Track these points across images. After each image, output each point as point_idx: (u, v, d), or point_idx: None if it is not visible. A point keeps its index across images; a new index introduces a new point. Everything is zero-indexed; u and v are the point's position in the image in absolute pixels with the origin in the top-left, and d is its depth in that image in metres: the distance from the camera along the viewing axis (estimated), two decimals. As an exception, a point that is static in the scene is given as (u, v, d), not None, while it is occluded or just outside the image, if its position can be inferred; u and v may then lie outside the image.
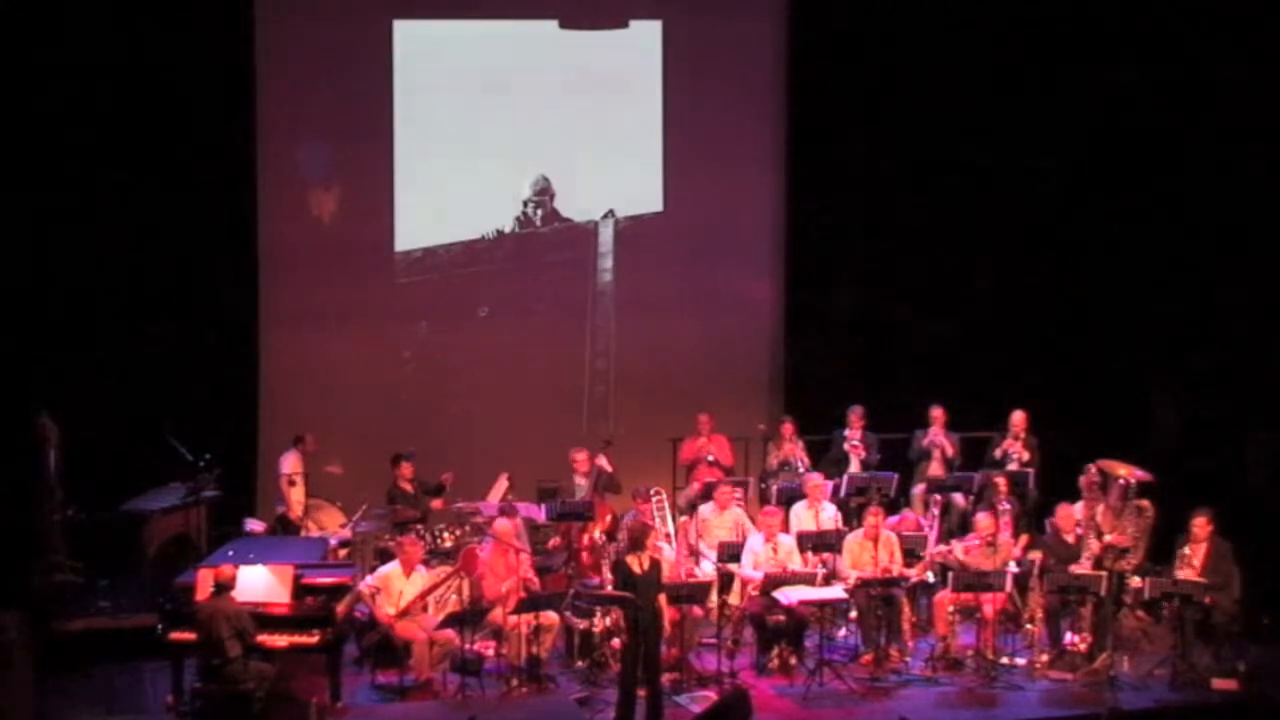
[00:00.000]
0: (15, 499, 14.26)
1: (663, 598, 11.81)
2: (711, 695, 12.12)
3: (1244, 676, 12.53)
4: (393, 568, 12.64)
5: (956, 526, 14.47)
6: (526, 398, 16.60)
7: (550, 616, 12.52)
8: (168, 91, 15.27)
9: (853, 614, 13.32)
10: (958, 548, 13.21)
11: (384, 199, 16.53)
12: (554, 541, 14.17)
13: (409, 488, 14.59)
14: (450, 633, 12.36)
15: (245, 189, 15.87)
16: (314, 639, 12.03)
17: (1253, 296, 15.65)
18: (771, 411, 16.45)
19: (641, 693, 11.55)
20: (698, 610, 12.81)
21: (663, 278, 16.99)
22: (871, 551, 13.15)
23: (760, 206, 17.15)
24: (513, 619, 12.35)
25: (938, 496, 14.09)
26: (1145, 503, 13.56)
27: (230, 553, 12.74)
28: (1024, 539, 13.94)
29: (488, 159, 16.70)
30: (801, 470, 14.91)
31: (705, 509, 14.03)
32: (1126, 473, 13.63)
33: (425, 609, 12.62)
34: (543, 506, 14.43)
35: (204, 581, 11.86)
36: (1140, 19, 16.13)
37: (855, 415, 15.33)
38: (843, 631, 13.48)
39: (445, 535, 14.08)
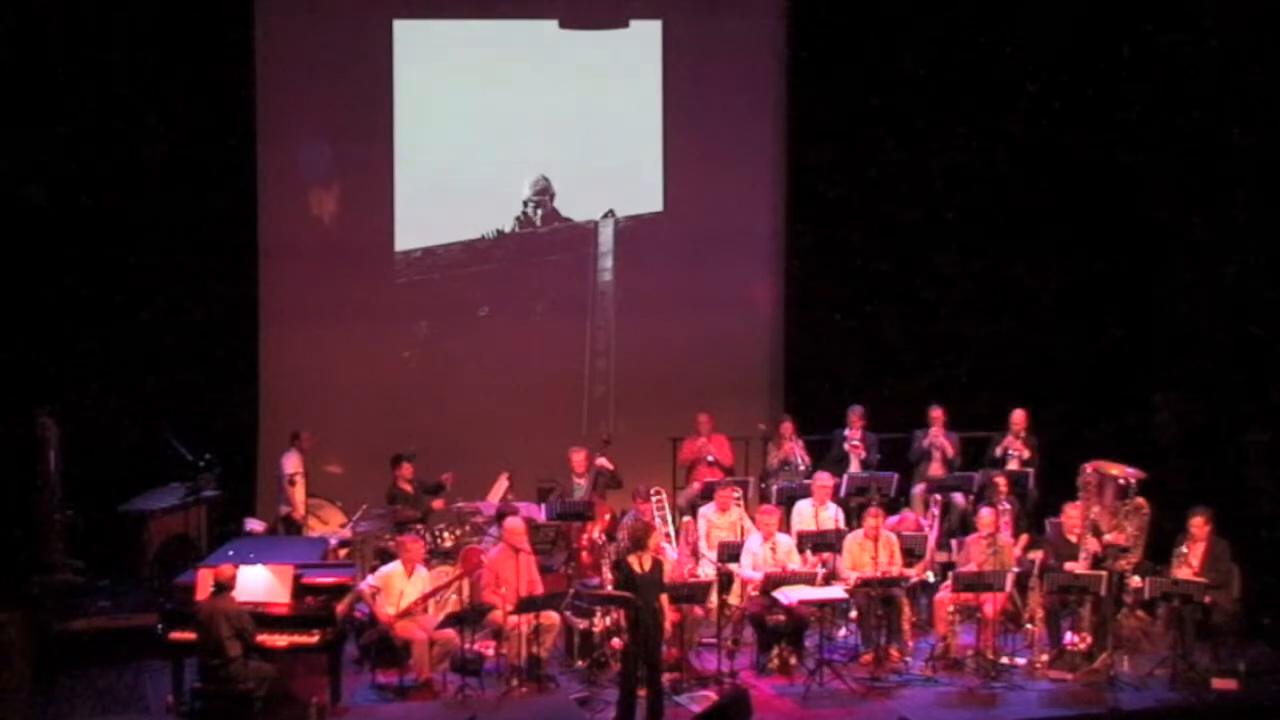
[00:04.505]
0: (15, 499, 14.27)
1: (665, 598, 11.83)
2: (711, 695, 12.13)
3: (1244, 676, 12.52)
4: (394, 567, 12.64)
5: (956, 526, 14.48)
6: (526, 398, 16.59)
7: (550, 616, 12.52)
8: (167, 91, 15.26)
9: (853, 614, 13.32)
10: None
11: (384, 199, 16.53)
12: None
13: (409, 488, 14.59)
14: (450, 633, 12.36)
15: (245, 189, 15.88)
16: (314, 639, 12.03)
17: (1253, 296, 15.65)
18: (771, 411, 16.44)
19: (642, 692, 11.55)
20: (698, 610, 12.82)
21: (663, 278, 16.98)
22: (871, 551, 13.15)
23: (760, 206, 17.15)
24: (513, 619, 12.35)
25: (938, 496, 14.11)
26: (1141, 500, 13.59)
27: (230, 553, 12.74)
28: (1024, 539, 13.96)
29: (488, 159, 16.70)
30: (802, 469, 14.92)
31: (707, 509, 14.04)
32: (1119, 472, 13.65)
33: (425, 609, 12.62)
34: (543, 506, 14.44)
35: (204, 581, 11.85)
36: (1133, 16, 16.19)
37: (855, 415, 15.34)
38: (843, 631, 13.48)
39: (445, 535, 14.08)
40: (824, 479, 14.12)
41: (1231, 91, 15.72)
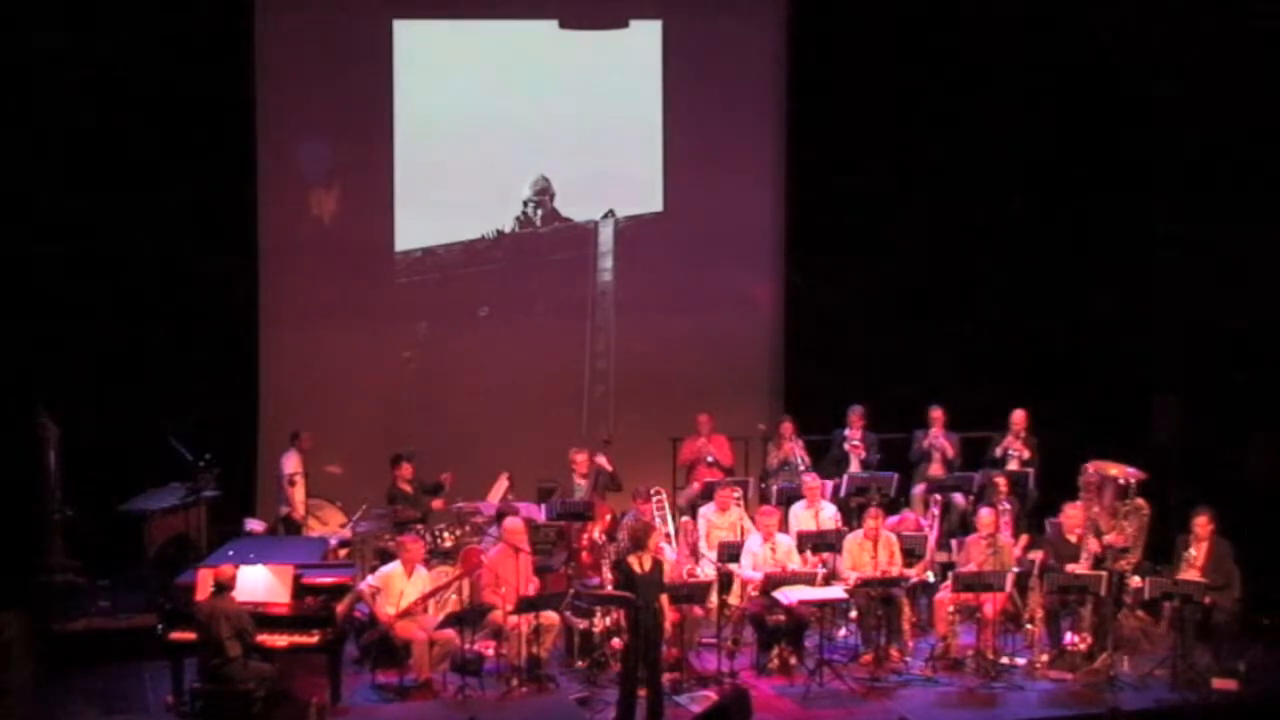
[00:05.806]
0: (15, 499, 14.27)
1: (665, 598, 11.83)
2: (711, 695, 12.13)
3: (1244, 676, 12.52)
4: (394, 567, 12.64)
5: (956, 526, 14.48)
6: (526, 398, 16.60)
7: (550, 616, 12.52)
8: (168, 91, 15.26)
9: (853, 614, 13.32)
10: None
11: (384, 199, 16.53)
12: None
13: (408, 488, 14.58)
14: (450, 633, 12.36)
15: (245, 189, 15.88)
16: (314, 639, 12.04)
17: (1253, 295, 15.65)
18: (771, 411, 16.44)
19: (642, 692, 11.55)
20: (698, 610, 12.82)
21: (663, 278, 16.99)
22: (871, 552, 13.16)
23: (760, 206, 17.15)
24: (513, 619, 12.35)
25: (938, 496, 14.11)
26: (1141, 501, 13.58)
27: (230, 553, 12.74)
28: (1024, 539, 13.96)
29: (487, 159, 16.69)
30: (802, 469, 14.91)
31: (707, 509, 14.04)
32: (1119, 472, 13.65)
33: (425, 609, 12.62)
34: (543, 506, 14.44)
35: (204, 581, 11.85)
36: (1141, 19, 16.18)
37: (855, 415, 15.34)
38: (843, 631, 13.48)
39: (445, 535, 14.07)
40: (811, 481, 14.13)
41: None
